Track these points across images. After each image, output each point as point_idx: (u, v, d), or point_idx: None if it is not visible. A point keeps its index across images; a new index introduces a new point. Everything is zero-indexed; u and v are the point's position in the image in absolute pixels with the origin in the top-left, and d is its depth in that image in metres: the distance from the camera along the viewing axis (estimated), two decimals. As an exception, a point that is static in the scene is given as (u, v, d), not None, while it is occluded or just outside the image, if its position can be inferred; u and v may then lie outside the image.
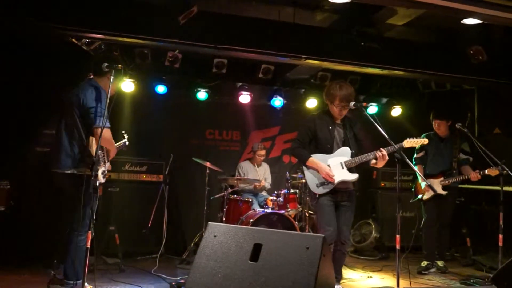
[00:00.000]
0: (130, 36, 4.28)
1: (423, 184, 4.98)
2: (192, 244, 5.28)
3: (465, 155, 5.05)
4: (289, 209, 5.27)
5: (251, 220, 4.86)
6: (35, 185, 4.89)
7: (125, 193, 5.34)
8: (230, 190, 5.52)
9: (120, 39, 4.32)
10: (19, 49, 5.02)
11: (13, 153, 4.96)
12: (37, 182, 4.83)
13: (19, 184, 4.69)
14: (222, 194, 5.42)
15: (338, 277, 3.97)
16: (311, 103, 6.47)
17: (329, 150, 3.86)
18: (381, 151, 3.70)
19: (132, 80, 5.57)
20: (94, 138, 3.41)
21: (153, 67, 5.61)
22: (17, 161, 4.96)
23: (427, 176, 5.01)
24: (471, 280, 4.53)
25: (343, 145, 3.88)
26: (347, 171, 3.80)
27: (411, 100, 6.86)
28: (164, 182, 5.53)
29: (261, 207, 5.51)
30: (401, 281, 3.48)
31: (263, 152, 6.02)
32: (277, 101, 6.34)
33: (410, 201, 5.21)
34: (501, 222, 4.17)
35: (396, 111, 6.71)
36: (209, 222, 2.98)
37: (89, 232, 3.03)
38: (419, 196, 5.07)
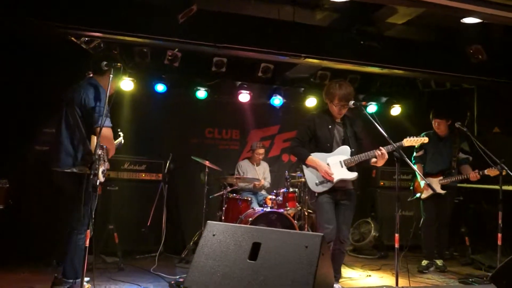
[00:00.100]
0: (129, 34, 4.28)
1: (422, 183, 4.98)
2: (191, 243, 5.28)
3: (465, 154, 5.05)
4: (288, 208, 5.27)
5: (250, 219, 4.86)
6: (34, 184, 4.88)
7: (124, 192, 5.33)
8: (229, 189, 5.52)
9: (119, 37, 4.32)
10: (19, 49, 5.03)
11: (12, 153, 4.96)
12: (36, 181, 4.82)
13: (19, 183, 4.69)
14: (221, 193, 5.43)
15: (337, 276, 3.97)
16: (311, 102, 6.47)
17: (328, 149, 3.86)
18: (380, 149, 3.70)
19: (131, 78, 5.57)
20: (96, 137, 3.40)
21: (153, 65, 5.61)
22: (16, 160, 4.95)
23: (426, 175, 5.01)
24: (470, 279, 4.53)
25: (343, 144, 3.88)
26: (346, 170, 3.80)
27: (411, 99, 6.86)
28: (163, 181, 5.53)
29: (260, 206, 5.51)
30: (400, 280, 3.49)
31: (262, 151, 6.03)
32: (277, 100, 6.34)
33: (408, 199, 5.21)
34: (500, 221, 4.17)
35: (396, 110, 6.71)
36: (208, 221, 2.98)
37: (88, 231, 3.03)
38: (418, 195, 5.08)
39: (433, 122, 5.09)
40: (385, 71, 5.23)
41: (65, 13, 4.03)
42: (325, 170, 3.74)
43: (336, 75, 5.86)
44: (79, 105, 3.41)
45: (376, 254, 5.96)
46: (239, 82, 6.29)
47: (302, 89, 6.57)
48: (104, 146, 3.28)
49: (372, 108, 6.69)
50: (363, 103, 3.86)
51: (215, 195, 5.50)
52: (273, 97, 6.33)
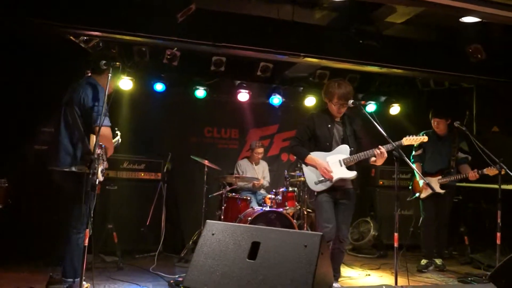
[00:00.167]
0: (128, 33, 4.27)
1: (421, 182, 4.98)
2: (191, 242, 5.28)
3: (464, 154, 5.06)
4: (287, 207, 5.27)
5: (250, 218, 4.86)
6: (34, 183, 4.87)
7: (123, 191, 5.32)
8: (228, 188, 5.52)
9: (118, 36, 4.32)
10: (19, 49, 5.02)
11: (12, 152, 4.95)
12: (36, 181, 4.80)
13: (18, 182, 4.68)
14: (221, 192, 5.43)
15: (336, 275, 3.97)
16: (310, 101, 6.47)
17: (328, 148, 3.86)
18: (379, 148, 3.70)
19: (130, 78, 5.56)
20: (95, 137, 3.40)
21: (151, 65, 5.60)
22: (16, 160, 4.94)
23: (425, 174, 5.01)
24: (469, 278, 4.53)
25: (342, 143, 3.88)
26: (345, 169, 3.80)
27: (410, 98, 6.86)
28: (162, 180, 5.53)
29: (260, 205, 5.52)
30: (399, 279, 3.48)
31: (261, 150, 6.03)
32: (276, 99, 6.34)
33: (408, 199, 5.21)
34: (499, 220, 4.18)
35: (395, 109, 6.72)
36: (207, 220, 2.98)
37: (87, 230, 3.02)
38: (417, 194, 5.08)
39: (432, 121, 5.09)
40: (384, 70, 5.23)
41: (65, 12, 4.02)
42: (324, 167, 3.74)
43: (335, 74, 5.86)
44: (78, 105, 3.41)
45: (375, 253, 5.97)
46: (238, 81, 6.29)
47: (301, 88, 6.57)
48: (103, 145, 3.28)
49: (371, 107, 6.69)
50: (362, 102, 3.86)
51: (214, 194, 5.49)
52: (272, 96, 6.33)
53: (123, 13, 4.22)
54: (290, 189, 5.44)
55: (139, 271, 4.61)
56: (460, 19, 4.29)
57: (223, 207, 5.31)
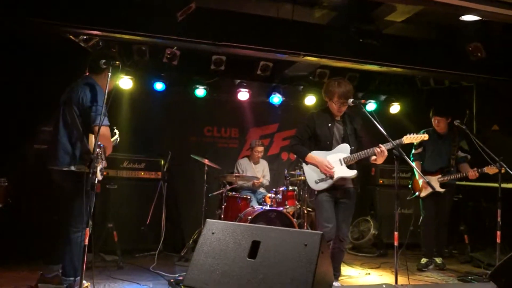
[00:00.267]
0: (128, 33, 4.26)
1: (420, 181, 4.98)
2: (191, 241, 5.28)
3: (464, 153, 5.05)
4: (287, 206, 5.27)
5: (250, 217, 4.86)
6: (33, 182, 4.87)
7: (123, 190, 5.33)
8: (228, 187, 5.52)
9: (118, 35, 4.31)
10: (19, 49, 5.02)
11: (12, 152, 4.95)
12: (35, 180, 4.80)
13: (18, 181, 4.68)
14: (221, 191, 5.43)
15: (337, 274, 3.97)
16: (310, 100, 6.47)
17: (328, 147, 3.86)
18: (380, 147, 3.70)
19: (130, 77, 5.57)
20: (94, 136, 3.40)
21: (151, 64, 5.60)
22: (16, 159, 4.94)
23: (425, 173, 5.01)
24: (469, 277, 4.53)
25: (343, 142, 3.88)
26: (346, 168, 3.80)
27: (410, 97, 6.86)
28: (162, 179, 5.53)
29: (260, 204, 5.52)
30: (399, 278, 3.48)
31: (261, 148, 6.03)
32: (276, 98, 6.34)
33: (407, 198, 5.21)
34: (499, 219, 4.18)
35: (395, 108, 6.72)
36: (207, 219, 2.98)
37: (87, 229, 3.02)
38: (417, 193, 5.08)
39: (433, 120, 5.09)
40: (384, 69, 5.23)
41: (65, 12, 4.02)
42: (325, 164, 3.74)
43: (335, 73, 5.85)
44: (77, 104, 3.41)
45: (375, 252, 5.97)
46: (238, 80, 6.29)
47: (301, 87, 6.57)
48: (101, 145, 3.28)
49: (371, 106, 6.68)
50: (362, 101, 3.84)
51: (215, 193, 5.50)
52: (272, 95, 6.33)
53: (123, 12, 4.22)
54: (290, 188, 5.43)
55: (139, 270, 4.61)
56: (460, 18, 4.29)
57: (223, 206, 5.31)
